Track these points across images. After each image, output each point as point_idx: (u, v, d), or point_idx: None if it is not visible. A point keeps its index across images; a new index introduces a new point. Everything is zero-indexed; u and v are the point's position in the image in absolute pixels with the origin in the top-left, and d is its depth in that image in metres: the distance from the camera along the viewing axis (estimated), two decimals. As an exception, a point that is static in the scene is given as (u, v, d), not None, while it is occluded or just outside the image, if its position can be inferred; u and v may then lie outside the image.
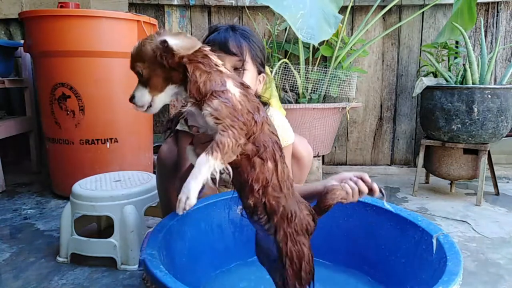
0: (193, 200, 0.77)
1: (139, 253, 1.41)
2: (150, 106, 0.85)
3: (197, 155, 0.86)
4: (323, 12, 2.01)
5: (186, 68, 0.81)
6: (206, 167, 0.77)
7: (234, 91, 0.82)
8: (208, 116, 0.79)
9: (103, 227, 1.70)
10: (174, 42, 0.80)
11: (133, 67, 0.85)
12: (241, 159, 0.84)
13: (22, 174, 2.66)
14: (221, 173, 0.79)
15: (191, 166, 1.02)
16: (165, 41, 0.80)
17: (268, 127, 0.87)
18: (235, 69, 1.16)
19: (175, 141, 1.25)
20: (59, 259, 1.48)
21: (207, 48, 0.85)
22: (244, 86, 0.85)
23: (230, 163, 0.82)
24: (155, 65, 0.82)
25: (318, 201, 0.97)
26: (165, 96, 0.85)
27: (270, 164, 0.86)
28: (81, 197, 1.43)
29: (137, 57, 0.84)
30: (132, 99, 0.85)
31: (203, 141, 0.87)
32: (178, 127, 1.22)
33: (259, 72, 1.23)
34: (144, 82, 0.84)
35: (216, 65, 0.84)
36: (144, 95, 0.84)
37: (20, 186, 2.43)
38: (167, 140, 1.30)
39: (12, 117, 2.66)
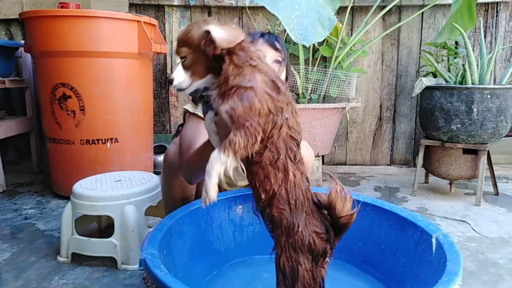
0: (212, 195, 0.80)
1: (139, 253, 1.41)
2: (185, 88, 0.88)
3: (215, 128, 0.90)
4: (318, 14, 2.02)
5: (224, 60, 0.82)
6: (219, 164, 0.79)
7: (258, 89, 0.81)
8: (224, 113, 0.81)
9: (103, 227, 1.70)
10: (217, 34, 0.80)
11: (178, 52, 0.86)
12: (257, 168, 0.85)
13: (22, 174, 2.66)
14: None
15: (206, 143, 1.03)
16: (208, 31, 0.81)
17: (287, 130, 0.85)
18: (276, 61, 1.31)
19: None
20: (60, 258, 1.48)
21: (248, 40, 0.86)
22: (274, 85, 0.84)
23: (248, 171, 0.84)
24: (199, 53, 0.84)
25: (330, 217, 0.89)
26: (203, 83, 0.88)
27: (280, 174, 0.85)
28: (82, 197, 1.43)
29: (182, 43, 0.86)
30: (171, 80, 0.88)
31: (225, 131, 0.88)
32: (189, 108, 1.27)
33: (286, 78, 1.40)
34: (186, 66, 0.86)
35: (251, 58, 0.84)
36: (184, 79, 0.87)
37: (21, 186, 2.43)
38: (175, 140, 1.33)
39: (13, 117, 2.67)
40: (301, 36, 1.92)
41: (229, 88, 0.81)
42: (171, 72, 2.83)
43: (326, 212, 0.90)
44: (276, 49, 1.31)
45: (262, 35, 1.33)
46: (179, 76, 0.87)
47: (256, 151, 0.82)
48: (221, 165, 0.79)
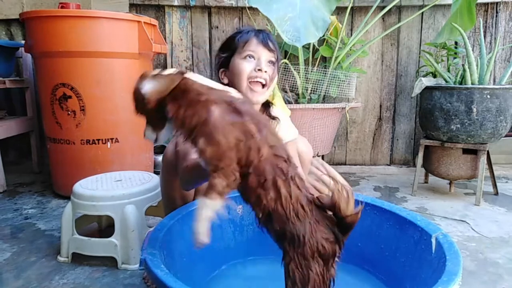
0: (203, 239, 0.79)
1: (139, 253, 1.41)
2: (156, 140, 0.93)
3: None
4: (312, 16, 2.01)
5: (168, 108, 0.82)
6: (205, 210, 0.79)
7: (218, 123, 0.79)
8: (199, 159, 0.82)
9: (103, 227, 1.71)
10: (145, 89, 0.81)
11: (135, 111, 0.89)
12: (247, 192, 0.85)
13: (23, 174, 2.66)
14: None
15: (186, 167, 1.07)
16: (139, 89, 0.82)
17: (268, 150, 0.82)
18: (270, 62, 1.29)
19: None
20: (60, 258, 1.48)
21: (189, 78, 0.84)
22: (233, 108, 0.81)
23: (241, 195, 0.86)
24: (146, 109, 0.86)
25: (336, 217, 0.89)
26: (168, 131, 0.91)
27: (272, 194, 0.83)
28: (82, 197, 1.44)
29: (133, 103, 0.88)
30: (144, 136, 0.93)
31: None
32: None
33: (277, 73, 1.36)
34: (147, 122, 0.91)
35: (199, 94, 0.81)
36: (149, 133, 0.92)
37: (21, 186, 2.44)
38: (172, 139, 1.33)
39: (13, 117, 2.67)
40: (293, 37, 1.92)
41: (190, 132, 0.81)
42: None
43: (331, 213, 0.89)
44: (270, 49, 1.28)
45: (256, 34, 1.29)
46: (146, 130, 0.92)
47: (240, 179, 0.82)
48: (209, 210, 0.79)
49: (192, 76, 0.86)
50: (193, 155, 0.98)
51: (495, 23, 2.76)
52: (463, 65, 2.23)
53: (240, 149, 0.79)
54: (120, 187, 1.48)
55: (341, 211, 0.85)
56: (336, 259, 0.90)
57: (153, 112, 0.85)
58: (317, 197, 0.90)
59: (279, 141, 0.86)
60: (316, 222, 0.86)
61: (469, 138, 2.13)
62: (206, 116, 0.79)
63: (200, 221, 0.79)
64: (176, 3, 2.73)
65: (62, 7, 2.00)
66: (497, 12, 2.74)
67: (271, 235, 0.91)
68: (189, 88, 0.82)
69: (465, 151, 2.20)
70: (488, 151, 2.17)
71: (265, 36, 1.28)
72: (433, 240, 1.01)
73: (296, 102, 2.40)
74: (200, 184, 1.19)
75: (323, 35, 2.31)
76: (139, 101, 0.84)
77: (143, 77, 0.84)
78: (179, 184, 1.21)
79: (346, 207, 0.84)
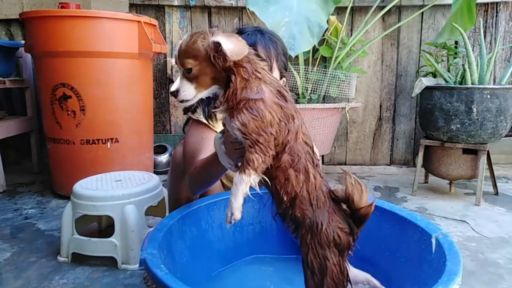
0: (237, 215, 0.83)
1: (139, 253, 1.41)
2: (189, 100, 0.86)
3: (224, 149, 0.93)
4: (308, 21, 1.99)
5: (232, 72, 0.82)
6: (243, 185, 0.81)
7: (267, 100, 0.82)
8: (236, 130, 0.81)
9: (103, 227, 1.70)
10: (228, 46, 0.79)
11: (183, 63, 0.83)
12: (277, 172, 0.86)
13: (23, 174, 2.66)
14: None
15: (211, 157, 1.05)
16: (219, 43, 0.79)
17: (302, 136, 0.87)
18: None
19: None
20: (60, 258, 1.48)
21: (252, 53, 0.85)
22: (281, 94, 0.85)
23: (266, 176, 0.85)
24: (206, 64, 0.82)
25: (349, 209, 0.91)
26: (207, 93, 0.87)
27: (301, 176, 0.87)
28: (82, 197, 1.44)
29: (187, 53, 0.83)
30: (176, 93, 0.85)
31: (235, 146, 0.90)
32: (191, 114, 1.25)
33: (281, 77, 1.26)
34: (190, 78, 0.84)
35: (257, 71, 0.84)
36: (189, 91, 0.84)
37: (21, 186, 2.44)
38: (181, 141, 1.33)
39: (13, 117, 2.67)
40: (288, 45, 1.92)
41: (238, 102, 0.81)
42: (171, 73, 2.83)
43: (345, 205, 0.91)
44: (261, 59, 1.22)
45: (242, 32, 1.17)
46: (184, 87, 0.84)
47: (277, 165, 0.85)
48: (245, 186, 0.81)
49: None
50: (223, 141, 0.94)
51: (495, 23, 2.76)
52: (463, 65, 2.23)
53: (280, 128, 0.83)
54: (120, 187, 1.48)
55: (355, 203, 0.87)
56: (350, 252, 0.92)
57: (215, 70, 0.82)
58: (331, 190, 0.92)
59: (308, 132, 0.91)
60: (333, 212, 0.89)
61: (469, 138, 2.13)
62: (257, 92, 0.82)
63: (237, 196, 0.82)
64: (176, 3, 2.73)
65: (62, 7, 2.00)
66: (497, 12, 2.74)
67: (289, 224, 0.92)
68: (252, 61, 0.84)
69: (465, 151, 2.20)
70: (488, 151, 2.17)
71: (255, 42, 1.17)
72: (433, 240, 1.01)
73: (296, 102, 2.40)
74: (207, 188, 1.18)
75: (323, 36, 2.31)
76: (212, 56, 0.80)
77: (213, 32, 0.82)
78: (187, 186, 1.20)
79: (360, 199, 0.86)
